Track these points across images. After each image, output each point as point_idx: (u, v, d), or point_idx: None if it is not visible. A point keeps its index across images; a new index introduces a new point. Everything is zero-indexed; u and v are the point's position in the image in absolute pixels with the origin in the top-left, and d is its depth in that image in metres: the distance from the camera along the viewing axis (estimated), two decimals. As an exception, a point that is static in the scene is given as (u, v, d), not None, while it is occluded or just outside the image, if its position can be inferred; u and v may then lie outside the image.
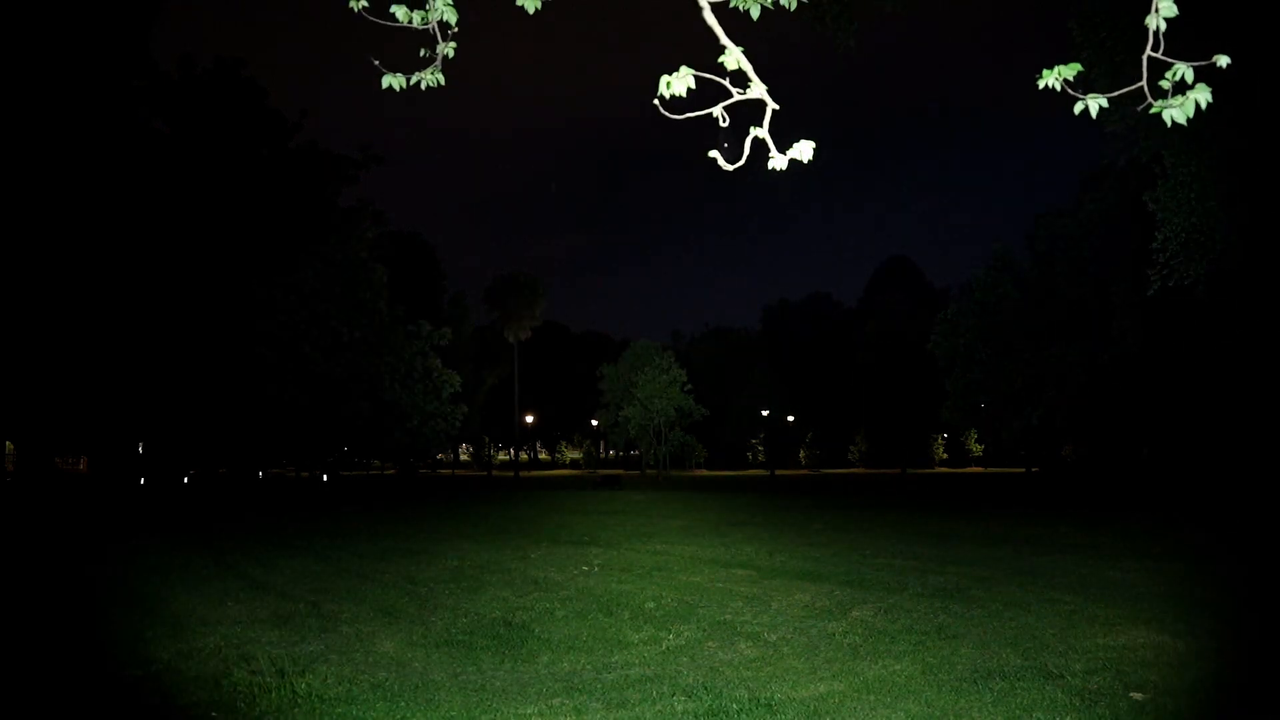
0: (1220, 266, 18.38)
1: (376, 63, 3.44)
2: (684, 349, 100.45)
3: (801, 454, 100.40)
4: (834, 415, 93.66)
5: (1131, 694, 5.82)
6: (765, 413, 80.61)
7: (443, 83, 3.52)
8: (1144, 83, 2.85)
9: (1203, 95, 2.79)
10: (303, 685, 6.32)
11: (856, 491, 37.58)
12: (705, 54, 3.21)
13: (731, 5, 3.10)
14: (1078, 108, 2.93)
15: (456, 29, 3.41)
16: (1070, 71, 2.88)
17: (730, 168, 3.34)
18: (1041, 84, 2.91)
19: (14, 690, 6.41)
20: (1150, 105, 2.87)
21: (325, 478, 60.71)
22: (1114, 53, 16.36)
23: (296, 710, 5.80)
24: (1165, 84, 2.78)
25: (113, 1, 31.48)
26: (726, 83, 3.18)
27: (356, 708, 5.79)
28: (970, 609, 8.85)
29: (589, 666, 6.82)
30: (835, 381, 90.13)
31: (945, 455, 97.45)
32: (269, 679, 6.46)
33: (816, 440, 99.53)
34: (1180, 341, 33.52)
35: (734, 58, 3.10)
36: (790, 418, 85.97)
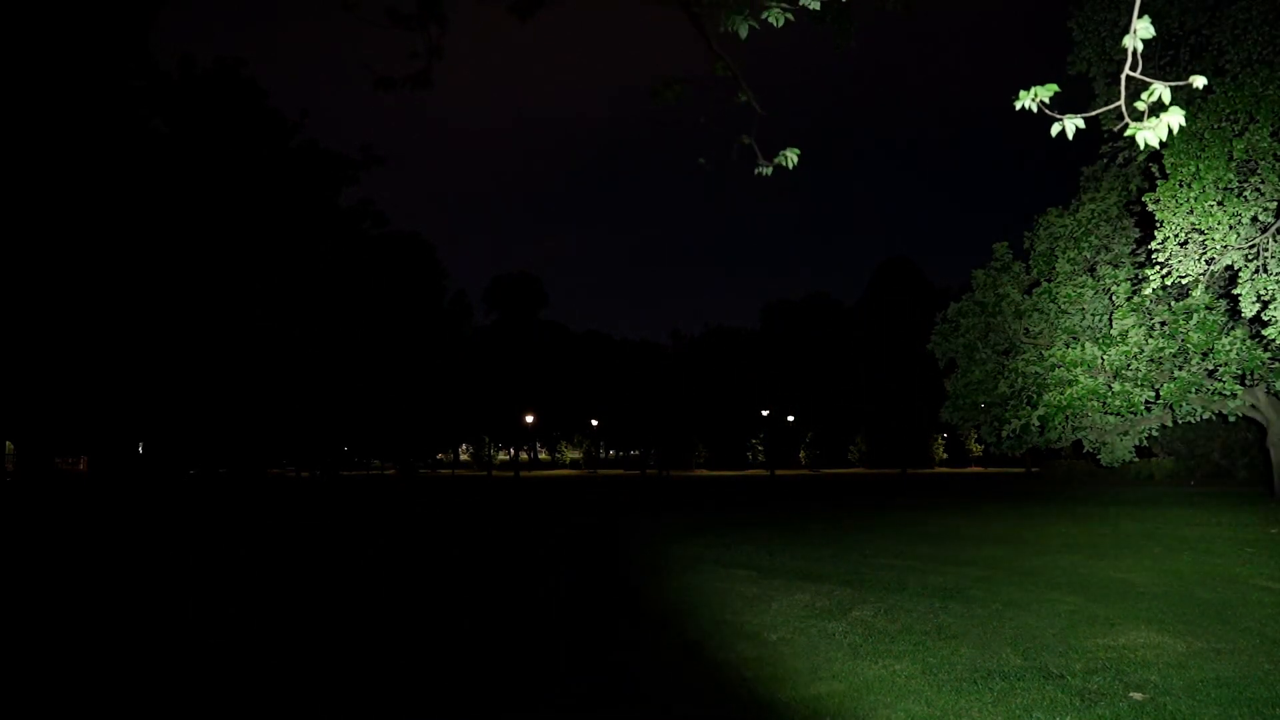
0: (1218, 265, 18.41)
1: (373, 70, 3.47)
2: (684, 349, 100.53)
3: (801, 454, 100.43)
4: (834, 415, 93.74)
5: (1131, 694, 5.83)
6: (765, 413, 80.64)
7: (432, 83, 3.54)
8: (1121, 102, 2.87)
9: (1175, 119, 2.81)
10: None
11: (857, 491, 37.63)
12: (707, 52, 3.22)
13: (723, 29, 3.11)
14: (1055, 129, 2.94)
15: (444, 31, 3.44)
16: (1046, 93, 2.89)
17: (711, 169, 3.37)
18: (1019, 105, 2.92)
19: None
20: (1127, 125, 2.89)
21: (326, 477, 60.71)
22: (1114, 53, 16.37)
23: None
24: (1141, 105, 2.80)
25: (113, 1, 31.46)
26: (719, 86, 3.20)
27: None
28: (970, 609, 8.85)
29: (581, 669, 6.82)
30: (835, 381, 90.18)
31: (945, 455, 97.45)
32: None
33: (816, 440, 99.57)
34: (1181, 340, 33.45)
35: (721, 65, 3.12)
36: (790, 418, 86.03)
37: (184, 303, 37.38)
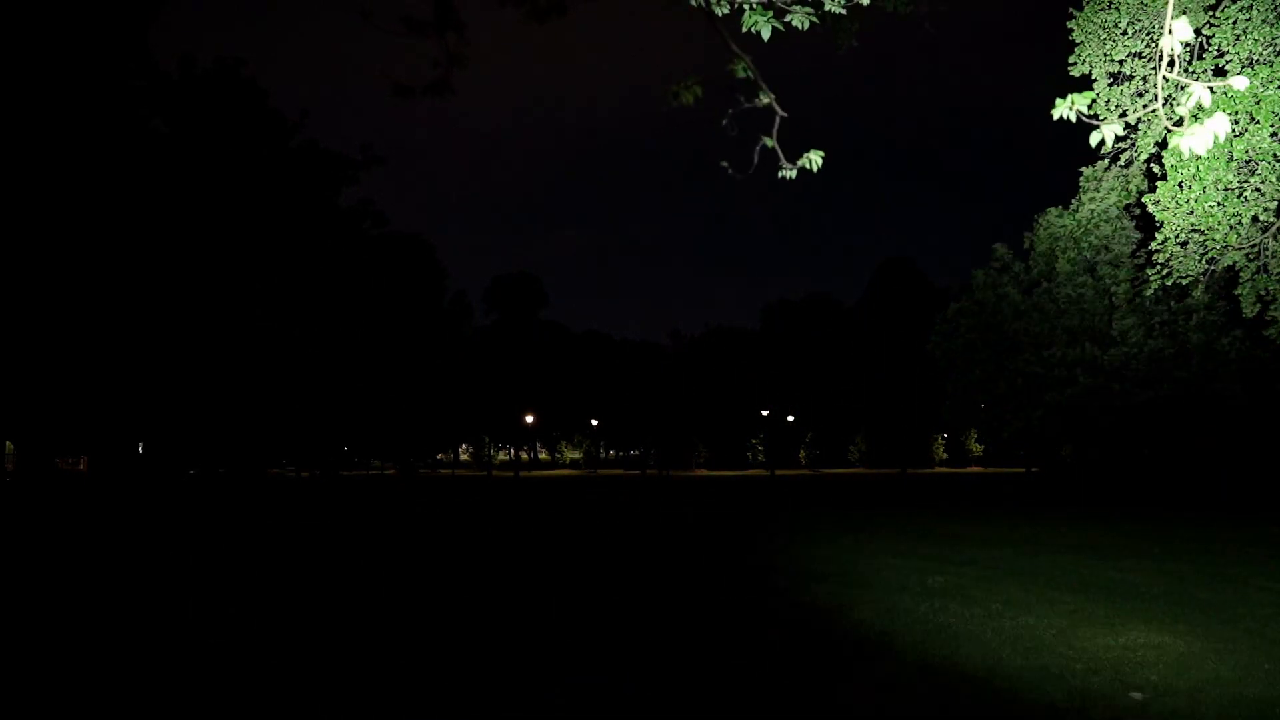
0: (1219, 265, 18.41)
1: (384, 74, 3.48)
2: (684, 349, 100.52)
3: (801, 454, 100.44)
4: (834, 415, 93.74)
5: (1131, 694, 5.84)
6: (765, 413, 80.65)
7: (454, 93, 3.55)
8: (1159, 106, 2.84)
9: (1221, 126, 2.68)
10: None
11: (858, 491, 37.65)
12: (714, 57, 3.22)
13: (745, 30, 3.09)
14: (1094, 138, 2.89)
15: (463, 38, 3.44)
16: (1084, 101, 2.85)
17: (740, 176, 3.36)
18: (1056, 114, 2.87)
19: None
20: (1169, 133, 2.85)
21: (326, 477, 60.71)
22: (1114, 54, 16.38)
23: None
24: (1180, 109, 2.69)
25: (112, 1, 31.45)
26: (735, 88, 3.20)
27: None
28: (970, 609, 8.86)
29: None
30: (835, 381, 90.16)
31: (945, 455, 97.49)
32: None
33: (816, 440, 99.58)
34: (1181, 341, 33.51)
35: (743, 66, 3.12)
36: (790, 418, 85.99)
37: (184, 303, 37.37)
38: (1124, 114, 15.86)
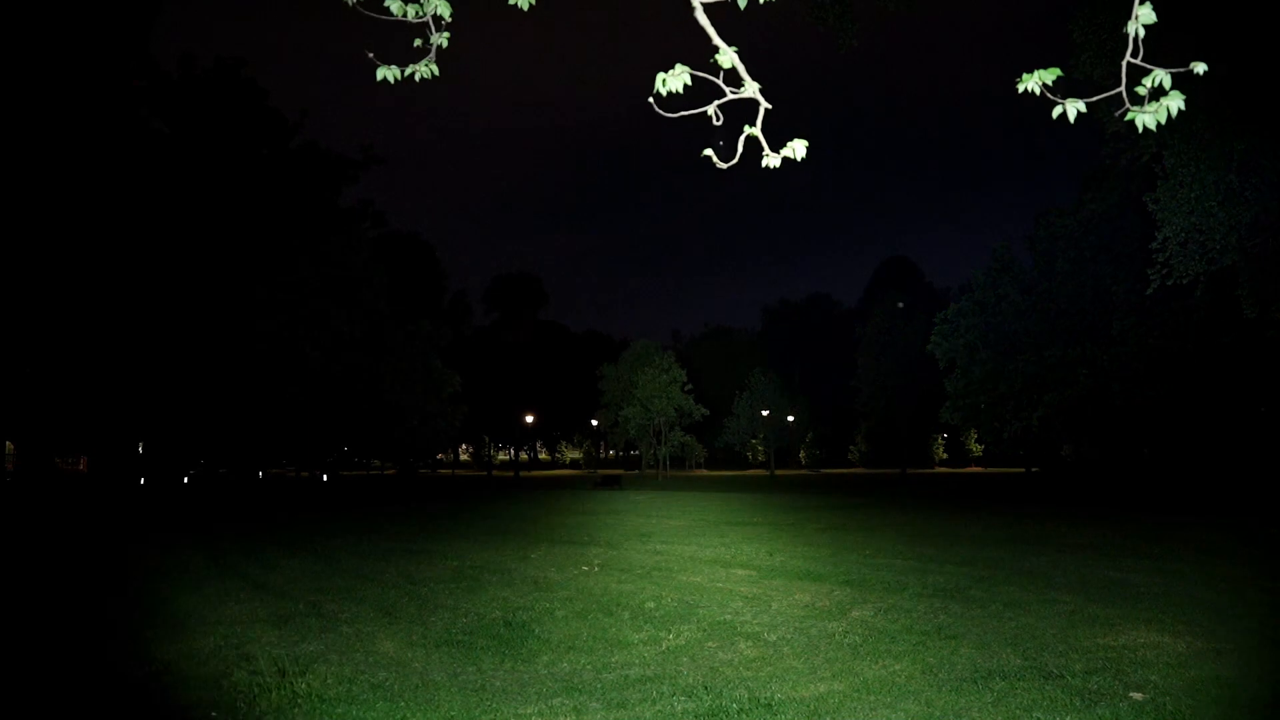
0: (1219, 265, 18.40)
1: (371, 55, 3.47)
2: (684, 349, 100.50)
3: (801, 454, 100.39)
4: (834, 415, 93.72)
5: (1131, 694, 5.82)
6: (765, 413, 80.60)
7: (436, 74, 3.54)
8: (1123, 88, 2.88)
9: (1175, 102, 2.84)
10: (302, 685, 6.32)
11: (857, 491, 37.62)
12: (705, 53, 3.22)
13: None
14: (1055, 112, 2.97)
15: (450, 20, 3.44)
16: (1050, 76, 2.90)
17: (724, 165, 3.37)
18: (1021, 88, 2.94)
19: (15, 690, 6.41)
20: (1127, 111, 2.91)
21: (325, 477, 60.68)
22: (1115, 54, 16.35)
23: (296, 710, 5.80)
24: (1142, 90, 2.82)
25: (113, 1, 31.46)
26: (720, 81, 3.20)
27: (356, 708, 5.79)
28: (970, 609, 8.85)
29: (588, 666, 6.82)
30: (835, 381, 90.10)
31: (945, 455, 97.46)
32: (269, 679, 6.47)
33: (816, 440, 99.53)
34: (1181, 341, 33.52)
35: (727, 57, 3.12)
36: (790, 418, 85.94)
37: (184, 302, 37.37)
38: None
